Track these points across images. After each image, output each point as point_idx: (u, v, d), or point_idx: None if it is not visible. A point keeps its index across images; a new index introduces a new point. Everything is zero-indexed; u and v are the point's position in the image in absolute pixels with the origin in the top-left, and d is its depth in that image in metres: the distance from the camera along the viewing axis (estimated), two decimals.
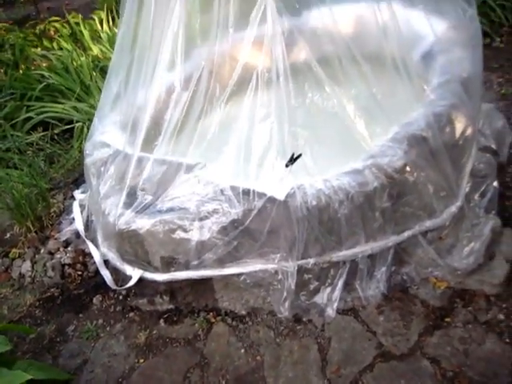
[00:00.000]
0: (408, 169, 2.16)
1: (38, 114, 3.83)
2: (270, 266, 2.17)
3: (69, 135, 3.78)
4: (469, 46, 2.62)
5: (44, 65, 4.25)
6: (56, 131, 3.74)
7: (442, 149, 2.26)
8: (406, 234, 2.25)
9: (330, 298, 2.21)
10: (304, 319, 2.25)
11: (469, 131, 2.43)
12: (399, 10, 2.65)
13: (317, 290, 2.22)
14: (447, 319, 2.17)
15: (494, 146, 2.75)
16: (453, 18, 2.74)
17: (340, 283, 2.21)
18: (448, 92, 2.41)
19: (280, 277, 2.19)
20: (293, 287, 2.17)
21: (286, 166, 2.01)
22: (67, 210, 3.09)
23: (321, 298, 2.22)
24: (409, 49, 2.67)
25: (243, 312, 2.32)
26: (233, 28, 2.17)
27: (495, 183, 2.56)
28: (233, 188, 2.08)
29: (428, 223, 2.29)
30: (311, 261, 2.16)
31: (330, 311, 2.21)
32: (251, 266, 2.17)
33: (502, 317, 2.16)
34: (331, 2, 2.35)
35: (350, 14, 2.66)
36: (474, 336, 2.09)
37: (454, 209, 2.35)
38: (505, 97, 3.54)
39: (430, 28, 2.84)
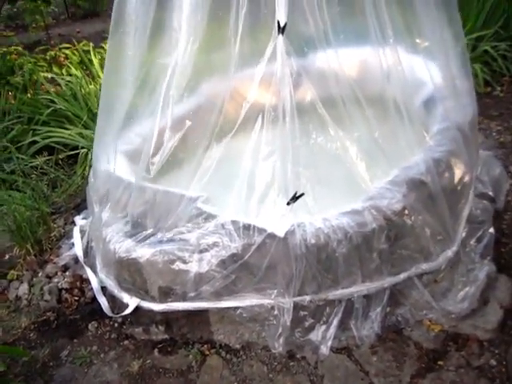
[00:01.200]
0: (406, 212, 2.20)
1: (43, 139, 3.87)
2: (267, 301, 2.19)
3: (73, 161, 3.82)
4: (465, 93, 2.70)
5: (52, 90, 4.32)
6: (61, 156, 3.78)
7: (440, 194, 2.31)
8: (402, 275, 2.28)
9: (324, 336, 2.23)
10: (298, 356, 2.26)
11: (466, 177, 2.49)
12: (403, 56, 2.73)
13: (312, 328, 2.23)
14: (440, 362, 2.19)
15: (491, 193, 2.80)
16: (452, 66, 2.82)
17: (335, 322, 2.23)
18: (447, 138, 2.47)
19: (276, 312, 2.20)
20: (288, 323, 2.18)
21: (288, 203, 2.05)
22: (67, 235, 3.11)
23: (315, 336, 2.24)
24: (411, 94, 2.74)
25: (237, 346, 2.32)
26: (242, 66, 2.22)
27: (491, 229, 2.60)
28: (234, 222, 2.11)
29: (424, 266, 2.32)
30: (307, 298, 2.18)
31: (324, 349, 2.22)
32: (248, 301, 2.19)
33: (494, 362, 2.18)
34: (337, 45, 2.44)
35: (355, 57, 2.73)
36: (465, 380, 2.11)
37: (450, 253, 2.39)
38: (503, 145, 3.61)
39: (431, 75, 2.92)
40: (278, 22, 1.92)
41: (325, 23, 2.17)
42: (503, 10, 4.67)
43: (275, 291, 2.17)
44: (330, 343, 2.22)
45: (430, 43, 2.69)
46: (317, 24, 2.12)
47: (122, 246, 2.27)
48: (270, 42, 2.00)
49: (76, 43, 5.15)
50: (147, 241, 2.26)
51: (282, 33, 1.91)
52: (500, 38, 4.61)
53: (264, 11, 2.05)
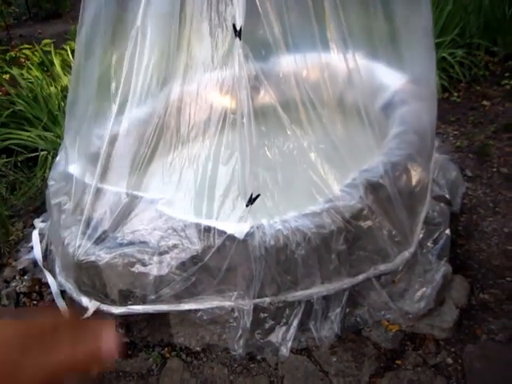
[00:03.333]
0: (364, 214, 2.23)
1: (2, 141, 3.81)
2: (227, 304, 2.20)
3: (32, 163, 3.76)
4: (425, 98, 2.76)
5: (12, 91, 4.24)
6: (20, 158, 3.73)
7: (398, 196, 2.35)
8: (361, 276, 2.31)
9: (284, 338, 2.24)
10: (258, 357, 2.27)
11: (423, 180, 2.54)
12: (363, 61, 2.78)
13: (272, 329, 2.25)
14: (398, 361, 2.23)
15: (447, 196, 2.86)
16: (413, 71, 2.89)
17: (295, 323, 2.25)
18: (404, 142, 2.52)
19: (236, 314, 2.21)
20: (248, 325, 2.20)
21: (246, 205, 2.06)
22: (26, 238, 3.07)
23: (275, 337, 2.25)
24: (371, 98, 2.79)
25: (198, 348, 2.33)
26: (202, 69, 2.24)
27: (448, 231, 2.66)
28: (194, 224, 2.12)
29: (382, 267, 2.36)
30: (267, 300, 2.19)
31: (284, 350, 2.24)
32: (208, 303, 2.20)
33: (450, 361, 2.23)
34: (297, 50, 2.47)
35: (316, 61, 2.76)
36: (422, 379, 2.15)
37: (407, 254, 2.43)
38: (459, 149, 3.69)
39: (390, 80, 2.99)
40: (234, 26, 1.93)
41: (284, 28, 2.20)
42: (460, 18, 4.80)
43: (235, 293, 2.18)
44: (289, 344, 2.24)
45: (394, 49, 2.75)
46: (276, 28, 2.15)
47: (81, 248, 2.25)
48: (229, 47, 2.02)
49: (37, 44, 5.07)
50: (107, 243, 2.25)
51: (239, 36, 1.93)
52: (457, 45, 4.73)
53: (224, 15, 2.06)
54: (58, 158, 2.78)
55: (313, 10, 2.38)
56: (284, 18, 2.19)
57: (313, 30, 2.40)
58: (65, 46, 4.86)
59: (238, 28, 1.92)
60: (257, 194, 2.06)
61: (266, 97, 2.23)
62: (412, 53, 2.74)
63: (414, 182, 2.50)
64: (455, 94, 4.47)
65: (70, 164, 2.64)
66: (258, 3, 2.05)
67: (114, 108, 2.41)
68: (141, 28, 2.15)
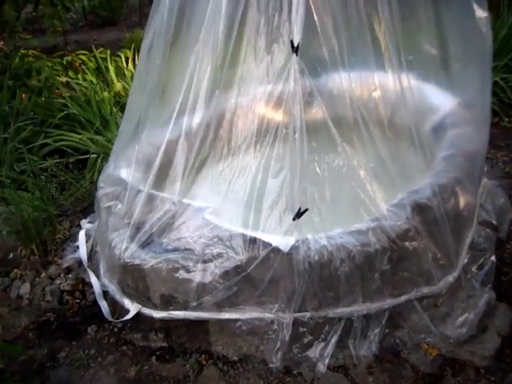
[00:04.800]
0: (410, 234, 2.22)
1: (55, 141, 3.92)
2: (267, 316, 2.21)
3: (82, 165, 3.85)
4: (477, 122, 2.73)
5: (67, 94, 4.37)
6: (71, 160, 3.82)
7: (444, 219, 2.33)
8: (403, 298, 2.29)
9: (322, 354, 2.24)
10: (294, 372, 2.27)
11: (470, 204, 2.51)
12: (415, 82, 2.78)
13: (310, 344, 2.25)
14: None
15: (494, 222, 2.82)
16: (466, 94, 2.87)
17: (333, 340, 2.24)
18: (453, 165, 2.51)
19: (275, 327, 2.22)
20: (287, 339, 2.20)
21: (293, 219, 2.07)
22: (72, 238, 3.14)
23: (313, 353, 2.25)
24: (421, 120, 2.78)
25: (235, 358, 2.33)
26: (256, 83, 2.27)
27: (493, 258, 2.62)
28: (239, 235, 2.14)
29: (425, 290, 2.34)
30: (308, 314, 2.19)
31: (321, 366, 2.23)
32: (248, 313, 2.21)
33: None
34: (350, 68, 2.48)
35: (368, 80, 2.77)
36: None
37: (451, 278, 2.40)
38: (508, 175, 3.63)
39: (441, 102, 2.97)
40: (292, 42, 1.96)
41: (340, 46, 2.22)
42: None
43: (276, 306, 2.19)
44: (327, 361, 2.23)
45: (447, 71, 2.74)
46: (332, 46, 2.17)
47: (127, 251, 2.30)
48: (285, 62, 2.05)
49: (93, 50, 5.22)
50: (152, 248, 2.29)
51: (296, 53, 1.96)
52: (510, 69, 4.67)
53: (281, 31, 2.09)
54: (108, 161, 2.85)
55: (369, 29, 2.39)
56: (341, 35, 2.20)
57: (367, 49, 2.42)
58: (119, 53, 4.98)
59: (295, 44, 1.95)
60: (304, 208, 2.07)
61: (319, 113, 2.25)
62: (466, 76, 2.73)
63: (461, 205, 2.47)
64: (506, 120, 4.41)
65: (121, 168, 2.71)
66: (316, 20, 2.07)
67: (169, 116, 2.47)
68: (202, 42, 2.19)
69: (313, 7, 2.03)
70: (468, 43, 2.55)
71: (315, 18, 2.06)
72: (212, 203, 2.29)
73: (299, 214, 2.06)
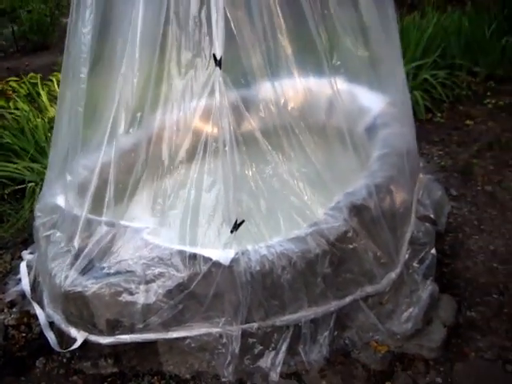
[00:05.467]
0: (349, 236, 2.26)
1: None
2: (215, 330, 2.19)
3: (20, 195, 3.75)
4: (405, 120, 2.81)
5: None
6: (7, 191, 3.73)
7: (382, 217, 2.38)
8: (348, 299, 2.32)
9: (273, 362, 2.24)
10: (248, 383, 2.27)
11: (407, 201, 2.57)
12: (343, 85, 2.84)
13: (261, 354, 2.24)
14: (387, 383, 2.23)
15: (432, 216, 2.89)
16: (392, 93, 2.95)
17: (284, 347, 2.25)
18: (387, 164, 2.56)
19: (224, 341, 2.21)
20: (237, 351, 2.19)
21: (231, 231, 2.08)
22: (14, 271, 3.05)
23: (265, 362, 2.24)
24: (354, 122, 2.83)
25: (188, 376, 2.31)
26: (183, 98, 2.27)
27: (433, 251, 2.69)
28: (179, 252, 2.13)
29: (369, 289, 2.37)
30: (255, 325, 2.19)
31: (274, 375, 2.23)
32: (196, 330, 2.19)
33: (439, 380, 2.24)
34: (279, 76, 2.51)
35: (298, 87, 2.81)
36: None
37: (393, 275, 2.45)
38: (444, 168, 3.74)
39: (372, 103, 3.04)
40: (214, 55, 1.97)
41: (263, 55, 2.25)
42: (440, 39, 4.90)
43: (223, 319, 2.18)
44: (279, 369, 2.23)
45: (373, 73, 2.80)
46: (255, 56, 2.19)
47: (68, 279, 2.25)
48: (209, 76, 2.06)
49: (24, 76, 5.11)
50: (93, 274, 2.25)
51: (220, 66, 1.97)
52: (438, 66, 4.83)
53: (202, 45, 2.10)
54: (43, 189, 2.79)
55: (291, 36, 2.43)
56: (262, 45, 2.23)
57: (291, 56, 2.45)
58: (51, 78, 4.90)
59: (218, 57, 1.96)
60: (241, 220, 2.08)
61: (248, 124, 2.27)
62: (390, 75, 2.80)
63: (397, 203, 2.53)
64: (439, 115, 4.54)
65: (57, 195, 2.66)
66: (235, 32, 2.09)
67: (101, 139, 2.45)
68: (126, 63, 2.18)
69: (231, 20, 2.05)
70: (387, 43, 2.62)
71: (234, 30, 2.08)
72: (150, 223, 2.27)
73: (236, 226, 2.07)
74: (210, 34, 2.05)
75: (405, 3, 5.81)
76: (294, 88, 2.67)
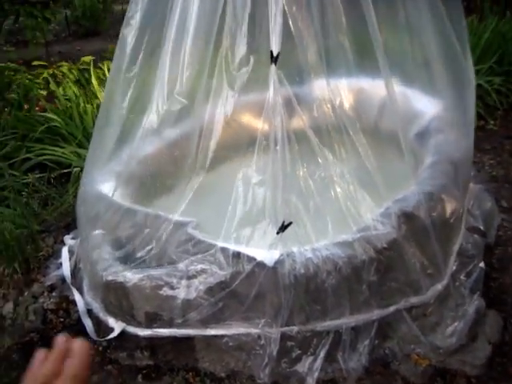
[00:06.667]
0: (397, 244, 2.19)
1: (37, 156, 3.86)
2: (254, 331, 2.16)
3: (65, 179, 3.79)
4: (464, 127, 2.71)
5: (48, 107, 4.31)
6: (53, 174, 3.77)
7: (431, 227, 2.30)
8: (391, 308, 2.26)
9: (311, 368, 2.19)
10: None
11: (458, 211, 2.49)
12: (398, 87, 2.75)
13: (298, 359, 2.20)
14: None
15: (482, 227, 2.79)
16: (448, 98, 2.85)
17: (322, 353, 2.20)
18: (439, 172, 2.48)
19: (263, 342, 2.17)
20: (275, 353, 2.15)
21: (277, 232, 2.04)
22: (56, 255, 3.08)
23: (302, 367, 2.20)
24: (407, 125, 2.75)
25: (223, 374, 2.29)
26: (236, 93, 2.24)
27: (482, 264, 2.59)
28: (223, 250, 2.10)
29: (413, 299, 2.30)
30: (295, 328, 2.15)
31: (310, 381, 2.18)
32: (234, 329, 2.17)
33: None
34: (333, 75, 2.46)
35: (351, 87, 2.75)
36: None
37: (439, 287, 2.37)
38: (495, 179, 3.62)
39: (426, 107, 2.95)
40: (271, 52, 1.93)
41: (320, 52, 2.19)
42: (498, 45, 4.76)
43: (263, 321, 2.15)
44: (316, 375, 2.19)
45: (432, 74, 2.71)
46: (311, 53, 2.14)
47: (110, 269, 2.25)
48: (264, 72, 2.03)
49: (75, 61, 5.17)
50: (135, 265, 2.24)
51: (275, 62, 1.93)
52: (494, 72, 4.69)
53: (259, 40, 2.07)
54: (84, 176, 2.79)
55: (349, 34, 2.37)
56: (319, 42, 2.18)
57: (348, 55, 2.39)
58: (101, 65, 4.93)
59: (274, 54, 1.92)
60: (288, 221, 2.04)
61: (300, 122, 2.22)
62: (447, 79, 2.71)
63: (448, 212, 2.45)
64: (491, 122, 4.41)
65: (101, 183, 2.66)
66: (292, 28, 2.04)
67: (147, 128, 2.44)
68: (174, 51, 2.16)
69: (289, 16, 2.00)
70: (446, 45, 2.53)
71: (291, 27, 2.03)
72: (195, 217, 2.25)
73: (283, 227, 2.03)
74: (266, 29, 2.00)
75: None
76: (349, 87, 2.60)
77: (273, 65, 1.95)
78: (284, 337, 2.16)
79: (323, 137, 2.26)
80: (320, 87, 2.34)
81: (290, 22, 2.06)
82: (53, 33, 7.71)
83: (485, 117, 4.43)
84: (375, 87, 2.47)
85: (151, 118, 2.40)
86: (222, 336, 2.20)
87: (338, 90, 2.36)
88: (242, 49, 2.12)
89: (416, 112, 2.99)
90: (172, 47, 2.22)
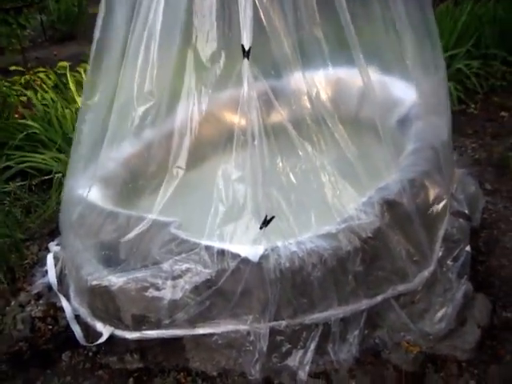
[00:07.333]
0: (381, 233, 2.19)
1: (17, 163, 3.82)
2: (242, 327, 2.15)
3: (47, 186, 3.75)
4: (441, 112, 2.71)
5: (27, 114, 4.27)
6: (35, 181, 3.73)
7: (416, 214, 2.31)
8: (379, 297, 2.25)
9: (301, 361, 2.19)
10: (275, 382, 2.22)
11: (442, 197, 2.49)
12: (377, 76, 2.75)
13: (289, 353, 2.20)
14: None
15: (466, 211, 2.80)
16: (426, 84, 2.85)
17: (312, 346, 2.19)
18: (421, 158, 2.48)
19: (252, 338, 2.16)
20: (264, 349, 2.14)
21: (260, 227, 2.03)
22: (41, 262, 3.05)
23: (293, 361, 2.19)
24: (386, 113, 2.75)
25: (214, 373, 2.28)
26: (212, 89, 2.22)
27: (468, 248, 2.60)
28: (207, 248, 2.09)
29: (401, 287, 2.30)
30: (284, 323, 2.14)
31: (302, 374, 2.18)
32: (223, 327, 2.15)
33: (473, 383, 2.17)
34: (311, 66, 2.44)
35: (329, 78, 2.74)
36: None
37: (426, 273, 2.38)
38: (478, 162, 3.64)
39: (405, 94, 2.95)
40: (243, 46, 1.91)
41: (294, 44, 2.18)
42: (475, 28, 4.77)
43: (251, 317, 2.13)
44: (307, 368, 2.18)
45: (407, 62, 2.71)
46: (285, 45, 2.13)
47: (94, 273, 2.23)
48: (237, 67, 2.02)
49: (52, 66, 5.11)
50: (120, 268, 2.22)
51: (248, 57, 1.91)
52: (472, 56, 4.70)
53: (229, 35, 2.05)
54: (67, 180, 2.76)
55: (323, 25, 2.36)
56: (293, 35, 2.16)
57: (323, 46, 2.39)
58: (79, 69, 4.89)
59: (246, 48, 1.90)
60: (271, 215, 2.03)
61: (278, 116, 2.21)
62: (423, 65, 2.71)
63: (431, 198, 2.45)
64: (472, 106, 4.43)
65: (83, 187, 2.63)
66: (264, 21, 2.02)
67: (126, 130, 2.42)
68: (147, 50, 2.14)
69: (260, 10, 1.98)
70: (418, 30, 2.53)
71: (264, 21, 2.01)
72: (177, 217, 2.23)
73: (266, 222, 2.02)
74: (237, 23, 1.98)
75: None
76: (326, 78, 2.59)
77: (245, 59, 1.93)
78: (273, 332, 2.15)
79: (302, 129, 2.25)
80: (296, 80, 2.32)
81: (262, 16, 2.04)
82: (29, 38, 7.62)
83: (465, 101, 4.45)
84: (354, 77, 2.45)
85: (129, 120, 2.37)
86: (211, 334, 2.19)
87: (315, 82, 2.34)
88: (212, 44, 2.10)
89: (395, 99, 2.99)
90: (138, 47, 2.20)
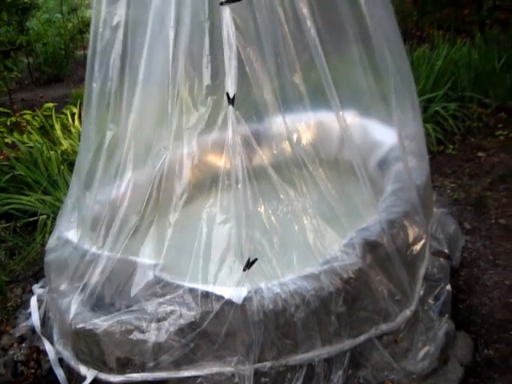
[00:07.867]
0: (363, 273, 2.22)
1: (2, 205, 3.83)
2: (227, 369, 2.15)
3: (32, 228, 3.77)
4: (419, 154, 2.79)
5: (12, 156, 4.30)
6: (19, 223, 3.74)
7: (396, 254, 2.35)
8: (362, 337, 2.27)
9: None
10: None
11: (421, 237, 2.54)
12: (357, 119, 2.83)
13: None
14: None
15: (446, 251, 2.85)
16: (404, 126, 2.93)
17: None
18: (400, 199, 2.54)
19: (237, 380, 2.16)
20: None
21: (244, 269, 2.05)
22: (24, 305, 3.04)
23: None
24: (366, 156, 2.82)
25: None
26: (195, 134, 2.28)
27: (448, 287, 2.64)
28: (191, 290, 2.10)
29: (383, 327, 2.32)
30: (268, 364, 2.15)
31: None
32: (208, 369, 2.15)
33: None
34: (292, 110, 2.51)
35: (309, 122, 2.81)
36: None
37: (408, 312, 2.41)
38: (457, 201, 3.71)
39: (385, 136, 3.03)
40: (227, 94, 1.98)
41: (277, 91, 2.25)
42: (451, 72, 4.93)
43: (235, 358, 2.14)
44: None
45: (385, 106, 2.79)
46: (269, 92, 2.20)
47: (78, 316, 2.23)
48: (222, 112, 2.08)
49: (39, 108, 5.17)
50: (104, 311, 2.23)
51: (232, 104, 1.97)
52: (449, 99, 4.85)
53: (216, 82, 2.12)
54: (58, 222, 2.79)
55: (303, 71, 2.44)
56: (274, 82, 2.23)
57: (303, 92, 2.45)
58: (65, 111, 4.95)
59: (231, 96, 1.97)
60: (254, 257, 2.06)
61: (260, 159, 2.26)
62: (402, 108, 2.79)
63: (411, 238, 2.50)
64: (450, 147, 4.54)
65: (69, 229, 2.65)
66: (247, 68, 2.10)
67: (112, 173, 2.45)
68: (132, 93, 2.20)
69: (244, 59, 2.05)
70: (398, 75, 2.61)
71: (247, 69, 2.08)
72: (161, 259, 2.25)
73: (249, 264, 2.05)
74: (222, 71, 2.05)
75: (414, 36, 5.85)
76: (306, 122, 2.66)
77: (230, 106, 2.00)
78: (257, 373, 2.16)
79: (283, 173, 2.31)
80: (278, 124, 2.38)
81: (245, 63, 2.11)
82: (15, 80, 7.71)
83: (444, 142, 4.56)
84: (333, 121, 2.51)
85: (116, 163, 2.42)
86: (196, 377, 2.18)
87: (295, 126, 2.41)
88: (199, 91, 2.16)
89: (375, 142, 3.07)
90: (130, 93, 2.26)
